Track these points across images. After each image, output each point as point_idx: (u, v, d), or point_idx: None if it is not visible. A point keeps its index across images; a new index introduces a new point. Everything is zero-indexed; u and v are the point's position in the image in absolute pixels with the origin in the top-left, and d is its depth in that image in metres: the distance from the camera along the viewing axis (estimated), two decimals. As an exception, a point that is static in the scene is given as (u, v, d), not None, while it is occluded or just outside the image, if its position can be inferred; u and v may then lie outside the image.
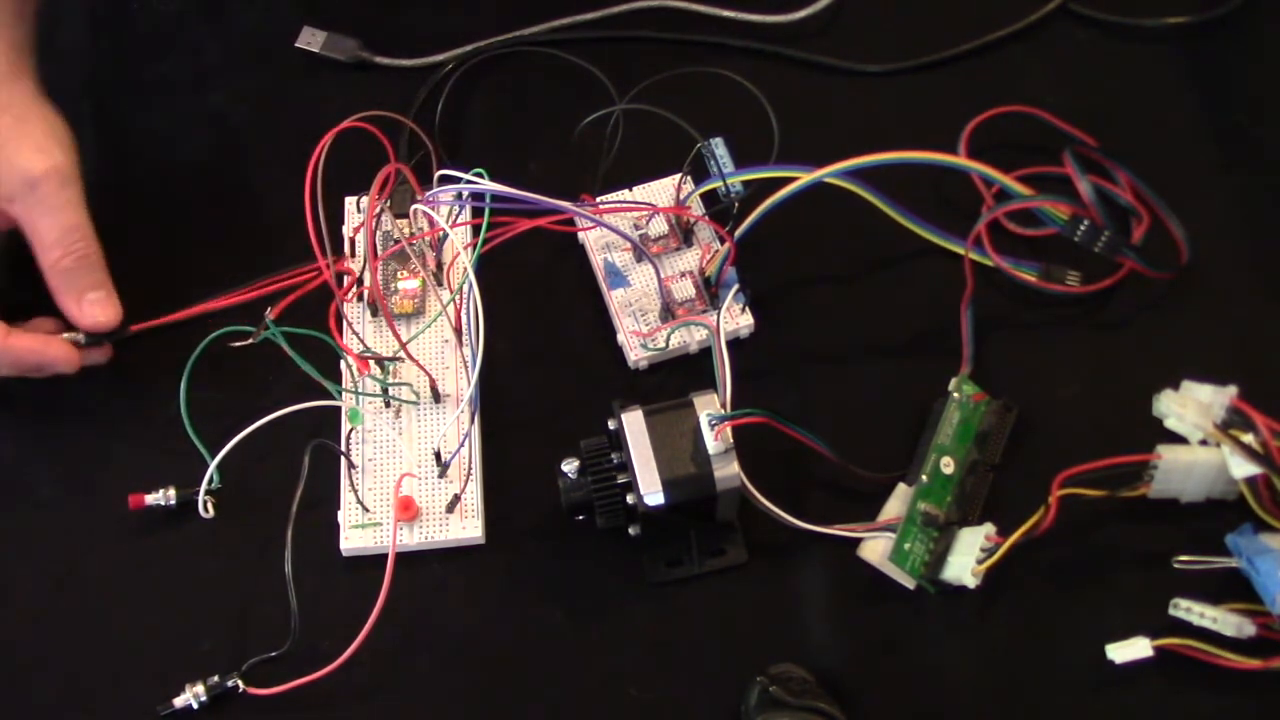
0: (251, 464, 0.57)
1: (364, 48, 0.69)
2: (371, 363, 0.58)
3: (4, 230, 0.58)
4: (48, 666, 0.55)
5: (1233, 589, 0.52)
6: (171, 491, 0.56)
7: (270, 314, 0.57)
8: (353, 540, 0.56)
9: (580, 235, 0.63)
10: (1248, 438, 0.51)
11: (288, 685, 0.52)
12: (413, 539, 0.56)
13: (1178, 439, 0.54)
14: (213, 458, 0.56)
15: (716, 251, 0.60)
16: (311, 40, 0.69)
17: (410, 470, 0.56)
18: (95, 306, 0.58)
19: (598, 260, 0.62)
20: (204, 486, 0.56)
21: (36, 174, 0.56)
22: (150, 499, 0.56)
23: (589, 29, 0.69)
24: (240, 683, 0.53)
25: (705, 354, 0.59)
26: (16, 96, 0.58)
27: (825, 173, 0.56)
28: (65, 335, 0.58)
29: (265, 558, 0.56)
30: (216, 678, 0.53)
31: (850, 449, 0.55)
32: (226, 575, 0.56)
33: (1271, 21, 0.68)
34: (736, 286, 0.60)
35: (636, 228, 0.62)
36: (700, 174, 0.62)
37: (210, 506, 0.56)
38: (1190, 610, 0.51)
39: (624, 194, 0.63)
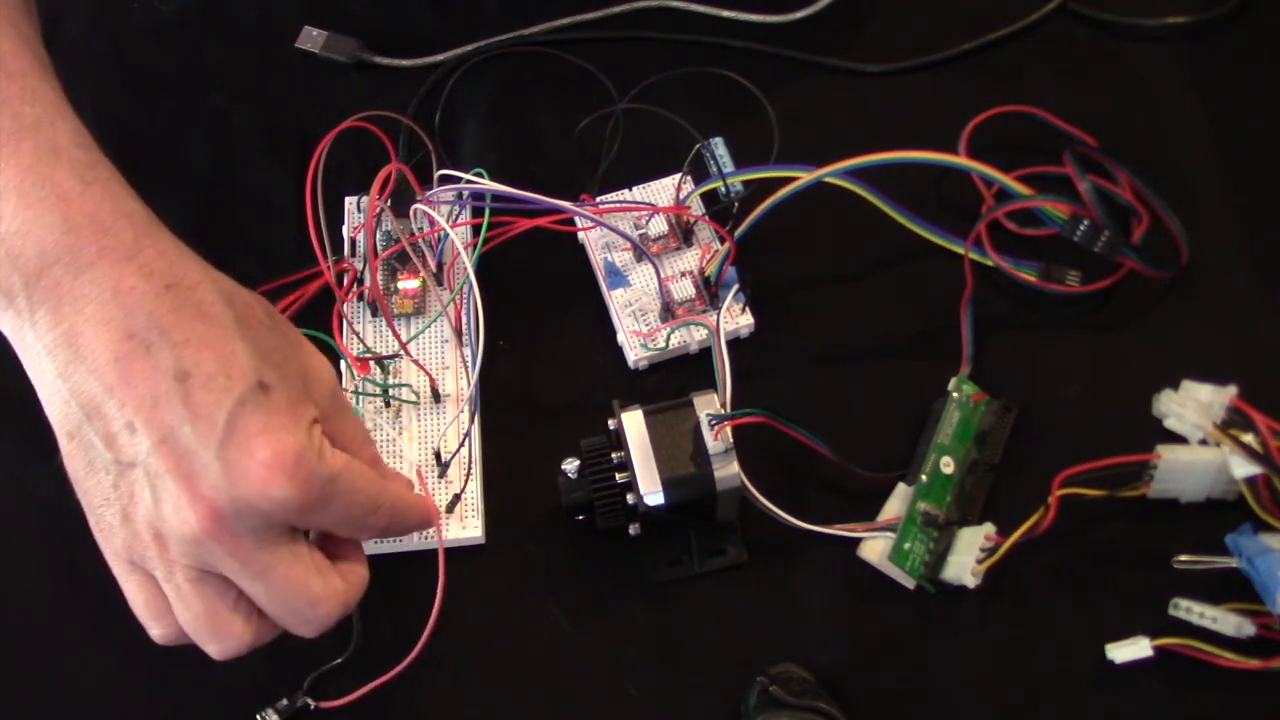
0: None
1: (364, 48, 0.69)
2: (371, 363, 0.58)
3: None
4: (49, 668, 0.55)
5: (1233, 589, 0.52)
6: None
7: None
8: (353, 540, 0.56)
9: (580, 235, 0.63)
10: (1248, 438, 0.52)
11: (357, 694, 0.52)
12: (413, 539, 0.56)
13: (1178, 439, 0.54)
14: None
15: (716, 251, 0.60)
16: (311, 40, 0.69)
17: (418, 470, 0.56)
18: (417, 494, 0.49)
19: (598, 260, 0.62)
20: None
21: (331, 374, 0.45)
22: None
23: (589, 29, 0.70)
24: (310, 700, 0.52)
25: (705, 354, 0.59)
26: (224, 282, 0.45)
27: (825, 173, 0.56)
28: None
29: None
30: (285, 701, 0.52)
31: (850, 449, 0.55)
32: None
33: (1271, 21, 0.68)
34: (736, 286, 0.60)
35: (636, 228, 0.62)
36: (700, 174, 0.62)
37: None
38: (1190, 610, 0.51)
39: (624, 194, 0.63)
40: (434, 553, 0.54)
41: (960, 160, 0.59)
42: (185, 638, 0.44)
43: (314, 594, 0.43)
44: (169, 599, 0.43)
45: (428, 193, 0.59)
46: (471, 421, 0.57)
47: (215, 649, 0.44)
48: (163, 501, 0.41)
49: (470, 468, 0.57)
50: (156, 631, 0.44)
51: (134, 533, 0.42)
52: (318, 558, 0.44)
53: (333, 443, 0.43)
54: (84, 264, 0.42)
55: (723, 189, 0.61)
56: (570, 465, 0.54)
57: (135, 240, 0.43)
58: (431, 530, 0.55)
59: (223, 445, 0.40)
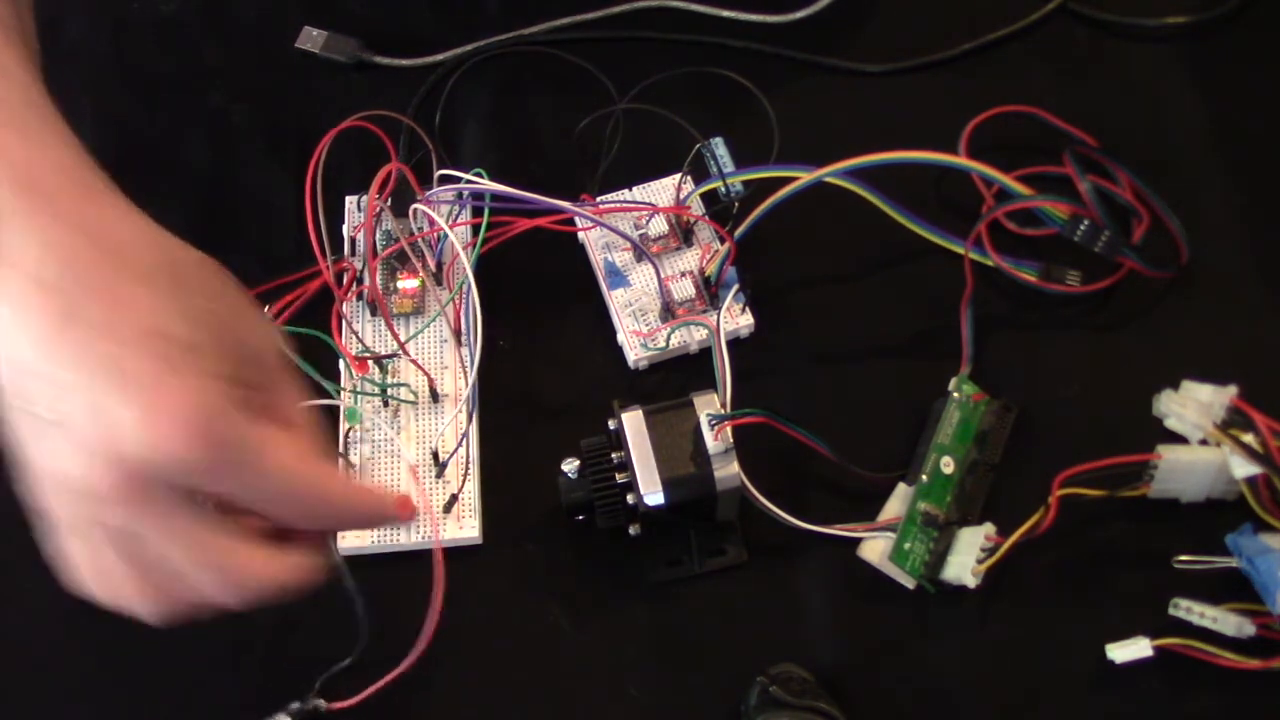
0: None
1: (364, 48, 0.69)
2: (370, 363, 0.58)
3: None
4: (50, 669, 0.55)
5: (1233, 589, 0.52)
6: None
7: (268, 312, 0.57)
8: (350, 539, 0.56)
9: (580, 235, 0.63)
10: (1248, 438, 0.51)
11: (364, 694, 0.52)
12: (410, 539, 0.56)
13: (1178, 439, 0.54)
14: None
15: (716, 251, 0.60)
16: (311, 40, 0.69)
17: (412, 467, 0.56)
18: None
19: (598, 260, 0.62)
20: None
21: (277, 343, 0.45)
22: None
23: (589, 29, 0.69)
24: (322, 702, 0.52)
25: (705, 354, 0.59)
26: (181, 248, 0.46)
27: (825, 173, 0.56)
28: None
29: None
30: (298, 704, 0.52)
31: (850, 449, 0.55)
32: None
33: (1271, 21, 0.68)
34: (736, 286, 0.60)
35: (636, 228, 0.62)
36: (700, 174, 0.62)
37: None
38: (1190, 610, 0.51)
39: (624, 194, 0.63)
40: (422, 554, 0.54)
41: (960, 160, 0.59)
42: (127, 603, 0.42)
43: (236, 565, 0.41)
44: (94, 558, 0.41)
45: (427, 193, 0.59)
46: (469, 421, 0.57)
47: (143, 613, 0.42)
48: (66, 454, 0.39)
49: (468, 468, 0.57)
50: (95, 593, 0.42)
51: (48, 487, 0.40)
52: (247, 531, 0.42)
53: (268, 418, 0.42)
54: (6, 213, 0.41)
55: (723, 189, 0.61)
56: (570, 465, 0.54)
57: (67, 193, 0.42)
58: (429, 529, 0.55)
59: (120, 396, 0.38)
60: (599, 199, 0.63)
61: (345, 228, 0.63)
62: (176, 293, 0.41)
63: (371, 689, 0.52)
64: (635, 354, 0.60)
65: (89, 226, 0.42)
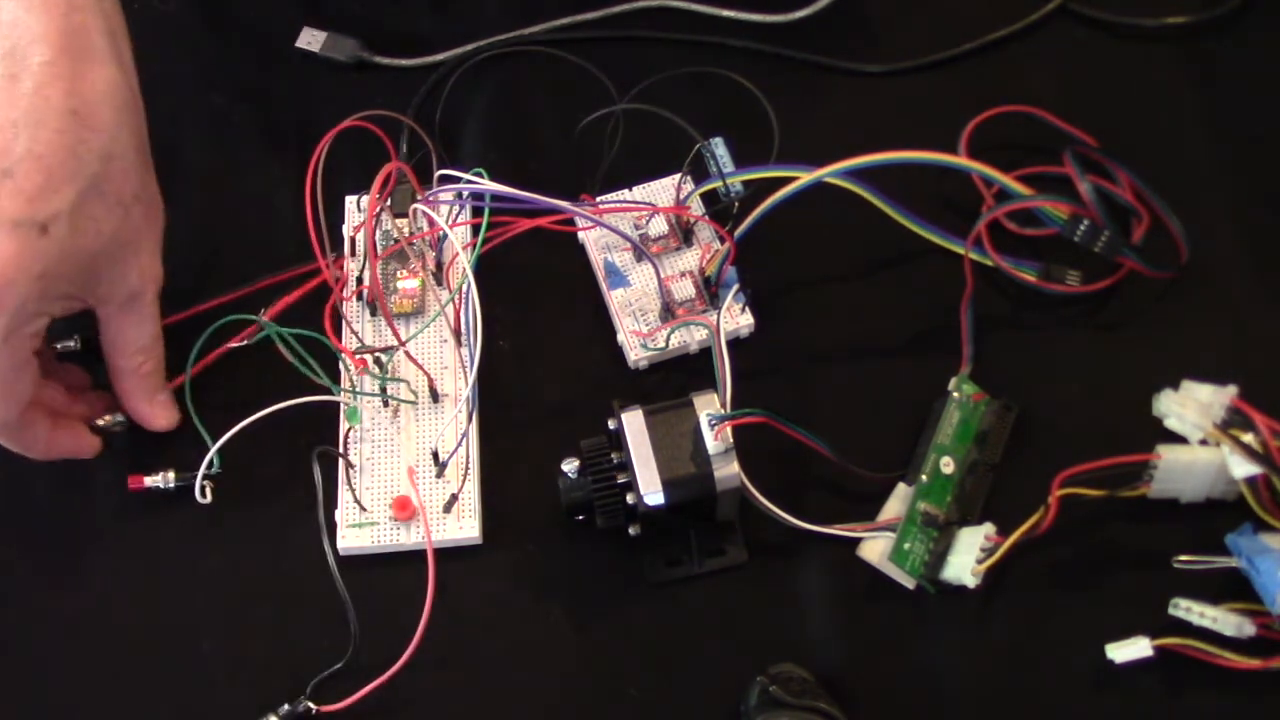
0: (248, 461, 0.57)
1: (364, 48, 0.69)
2: (370, 360, 0.58)
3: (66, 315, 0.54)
4: (48, 670, 0.55)
5: (1233, 589, 0.52)
6: (170, 475, 0.57)
7: (265, 314, 0.57)
8: (349, 540, 0.56)
9: (580, 235, 0.63)
10: (1248, 438, 0.51)
11: (355, 697, 0.52)
12: (409, 539, 0.56)
13: (1178, 439, 0.54)
14: (213, 442, 0.56)
15: (716, 251, 0.60)
16: (311, 40, 0.69)
17: (409, 468, 0.56)
18: (164, 409, 0.57)
19: (598, 260, 0.62)
20: (203, 470, 0.56)
21: (145, 283, 0.54)
22: (150, 481, 0.57)
23: (589, 29, 0.69)
24: (313, 705, 0.52)
25: (705, 354, 0.59)
26: (147, 172, 0.55)
27: (825, 173, 0.56)
28: (105, 420, 0.57)
29: (260, 555, 0.56)
30: (287, 706, 0.52)
31: (850, 449, 0.55)
32: (225, 571, 0.56)
33: (1271, 21, 0.68)
34: (736, 286, 0.60)
35: (636, 228, 0.62)
36: (700, 174, 0.62)
37: (209, 491, 0.57)
38: (1190, 610, 0.51)
39: (624, 194, 0.63)
40: (421, 554, 0.54)
41: (960, 160, 0.59)
42: None
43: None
44: None
45: (428, 192, 0.59)
46: (469, 421, 0.57)
47: None
48: None
49: (468, 468, 0.57)
50: None
51: None
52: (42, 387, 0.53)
53: (110, 336, 0.54)
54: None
55: (723, 189, 0.61)
56: (570, 465, 0.54)
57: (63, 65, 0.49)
58: (415, 529, 0.55)
59: None
60: (599, 199, 0.62)
61: (345, 227, 0.63)
62: (74, 177, 0.49)
63: (361, 692, 0.52)
64: (635, 354, 0.60)
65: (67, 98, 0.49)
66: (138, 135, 0.53)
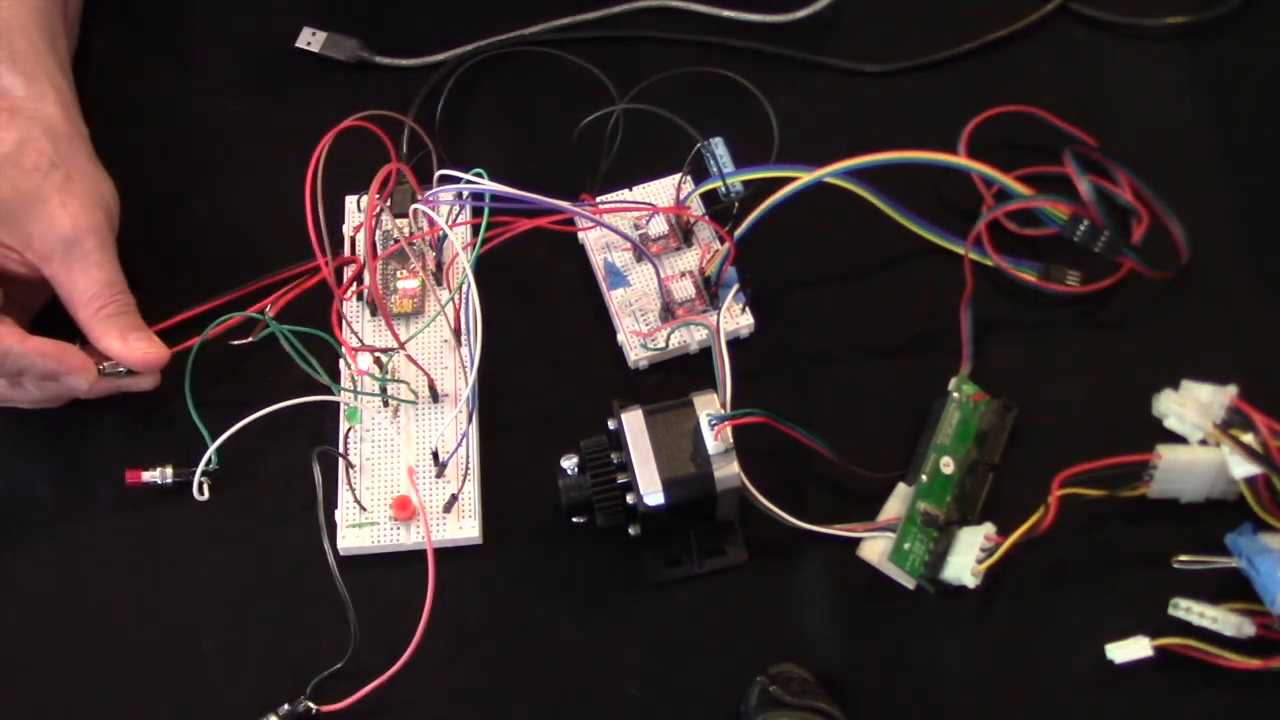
0: (249, 461, 0.57)
1: (364, 48, 0.69)
2: (370, 359, 0.58)
3: (36, 285, 0.58)
4: (48, 670, 0.55)
5: (1233, 589, 0.52)
6: (169, 470, 0.57)
7: (270, 311, 0.57)
8: (349, 540, 0.56)
9: (580, 235, 0.63)
10: (1248, 438, 0.51)
11: (355, 697, 0.52)
12: (409, 539, 0.56)
13: (1178, 439, 0.54)
14: (212, 440, 0.56)
15: (716, 251, 0.60)
16: (311, 40, 0.69)
17: (409, 468, 0.56)
18: (141, 343, 0.57)
19: (598, 260, 0.62)
20: (201, 467, 0.56)
21: (78, 232, 0.56)
22: (147, 476, 0.57)
23: (589, 29, 0.69)
24: (313, 705, 0.52)
25: (705, 354, 0.59)
26: (71, 155, 0.58)
27: (825, 173, 0.56)
28: (104, 366, 0.57)
29: (260, 555, 0.56)
30: (287, 706, 0.52)
31: (850, 449, 0.55)
32: (225, 570, 0.56)
33: (1271, 21, 0.68)
34: (736, 286, 0.60)
35: (636, 228, 0.62)
36: (700, 174, 0.62)
37: (206, 488, 0.57)
38: (1190, 610, 0.51)
39: (624, 194, 0.63)
40: (421, 554, 0.54)
41: (960, 160, 0.59)
42: None
43: None
44: None
45: (428, 192, 0.59)
46: (469, 421, 0.57)
47: None
48: None
49: (468, 468, 0.57)
50: None
51: None
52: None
53: (65, 293, 0.57)
54: None
55: (723, 189, 0.61)
56: (569, 461, 0.54)
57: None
58: (415, 529, 0.55)
59: None
60: (599, 199, 0.62)
61: (345, 227, 0.63)
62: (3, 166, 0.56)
63: (361, 692, 0.52)
64: (635, 354, 0.60)
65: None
66: (54, 122, 0.59)
